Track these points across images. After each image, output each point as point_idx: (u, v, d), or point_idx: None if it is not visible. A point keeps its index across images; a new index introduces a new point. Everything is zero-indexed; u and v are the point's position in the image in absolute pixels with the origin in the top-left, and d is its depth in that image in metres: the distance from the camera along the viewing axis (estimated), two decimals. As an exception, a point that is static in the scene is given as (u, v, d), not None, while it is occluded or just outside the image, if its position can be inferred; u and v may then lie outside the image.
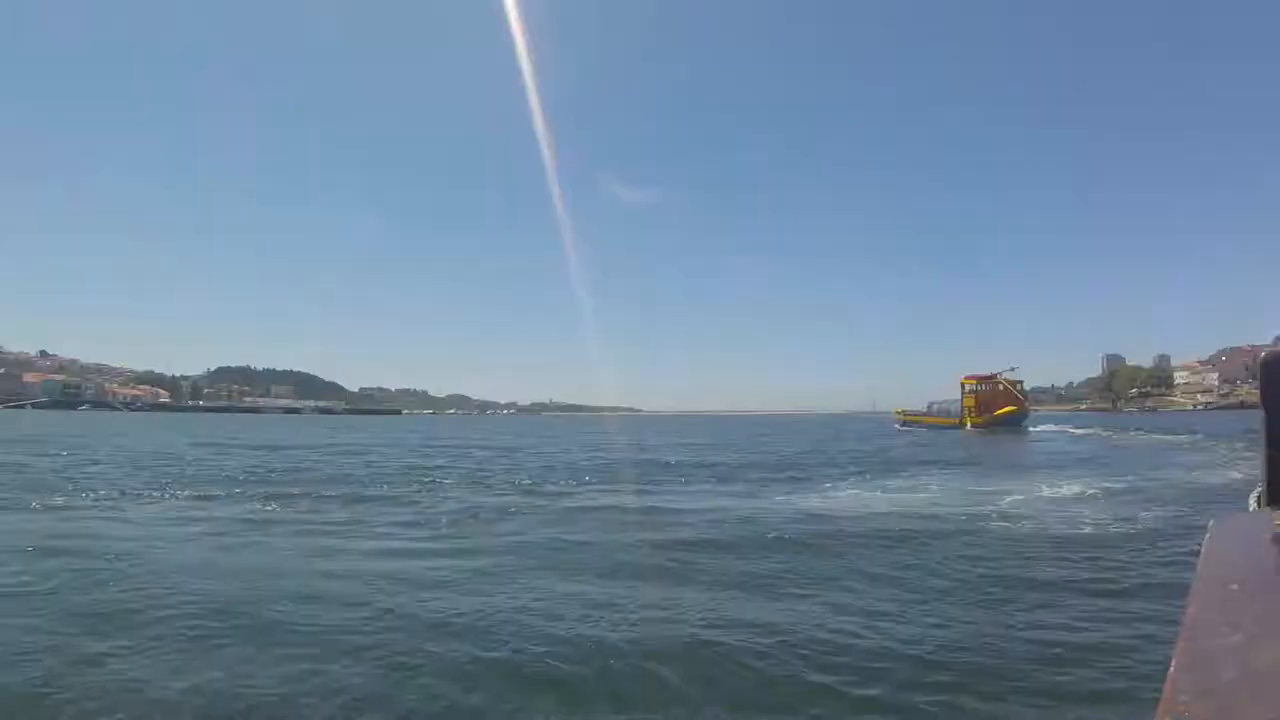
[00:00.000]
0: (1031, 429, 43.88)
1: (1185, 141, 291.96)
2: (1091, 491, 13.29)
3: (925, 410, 54.52)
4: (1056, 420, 60.68)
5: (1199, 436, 31.68)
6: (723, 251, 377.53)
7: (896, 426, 53.32)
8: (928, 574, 6.99)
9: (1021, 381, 47.75)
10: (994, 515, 10.40)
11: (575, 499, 13.46)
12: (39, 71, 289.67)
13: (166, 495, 13.41)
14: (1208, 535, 1.41)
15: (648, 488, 15.34)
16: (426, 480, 16.76)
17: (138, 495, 13.36)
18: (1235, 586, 1.05)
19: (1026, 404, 47.27)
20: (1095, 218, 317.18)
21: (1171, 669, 0.75)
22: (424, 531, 9.98)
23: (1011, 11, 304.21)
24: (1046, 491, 13.19)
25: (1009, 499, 12.33)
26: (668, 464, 22.26)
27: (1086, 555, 7.73)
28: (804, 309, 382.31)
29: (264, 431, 46.46)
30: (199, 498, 13.14)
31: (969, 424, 45.38)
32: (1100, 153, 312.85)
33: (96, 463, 20.53)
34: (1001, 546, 8.24)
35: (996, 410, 45.37)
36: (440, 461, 23.01)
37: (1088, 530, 9.20)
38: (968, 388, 48.09)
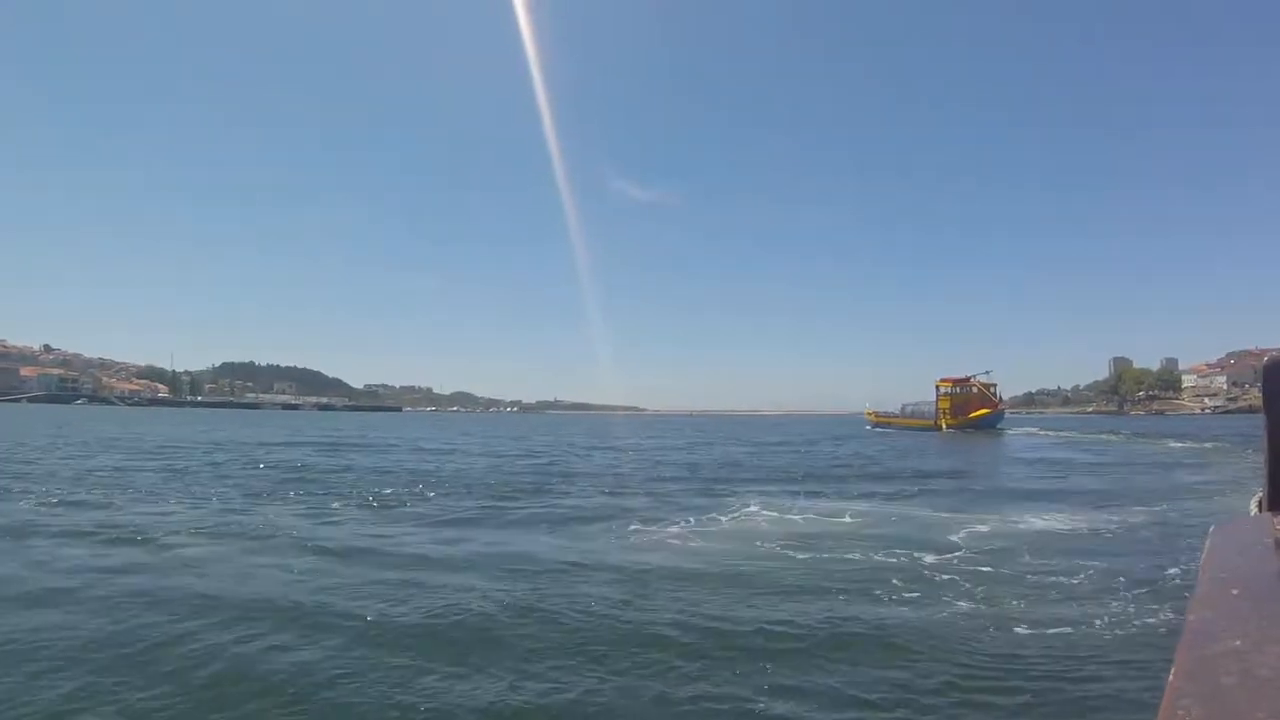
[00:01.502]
0: (1008, 431, 43.49)
1: (1195, 141, 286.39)
2: (1082, 524, 9.45)
3: (898, 411, 54.05)
4: (1041, 423, 59.20)
5: (1223, 444, 27.50)
6: (732, 250, 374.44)
7: (867, 428, 52.65)
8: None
9: (995, 385, 47.93)
10: (936, 571, 6.55)
11: (387, 520, 9.95)
12: (42, 67, 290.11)
13: None
14: (1208, 541, 1.38)
15: (506, 504, 11.63)
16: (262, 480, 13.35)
17: None
18: (1236, 592, 1.03)
19: (1001, 406, 47.50)
20: (1102, 219, 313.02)
21: (1172, 675, 0.73)
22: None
23: (1020, 8, 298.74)
24: (1020, 524, 9.32)
25: (964, 532, 8.55)
26: (579, 474, 18.48)
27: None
28: (813, 308, 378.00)
29: (185, 428, 43.28)
30: None
31: (944, 426, 44.77)
32: (1108, 152, 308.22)
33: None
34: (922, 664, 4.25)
35: (971, 413, 45.30)
36: (325, 461, 19.53)
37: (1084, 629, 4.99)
38: (942, 390, 47.71)
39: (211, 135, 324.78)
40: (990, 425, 44.78)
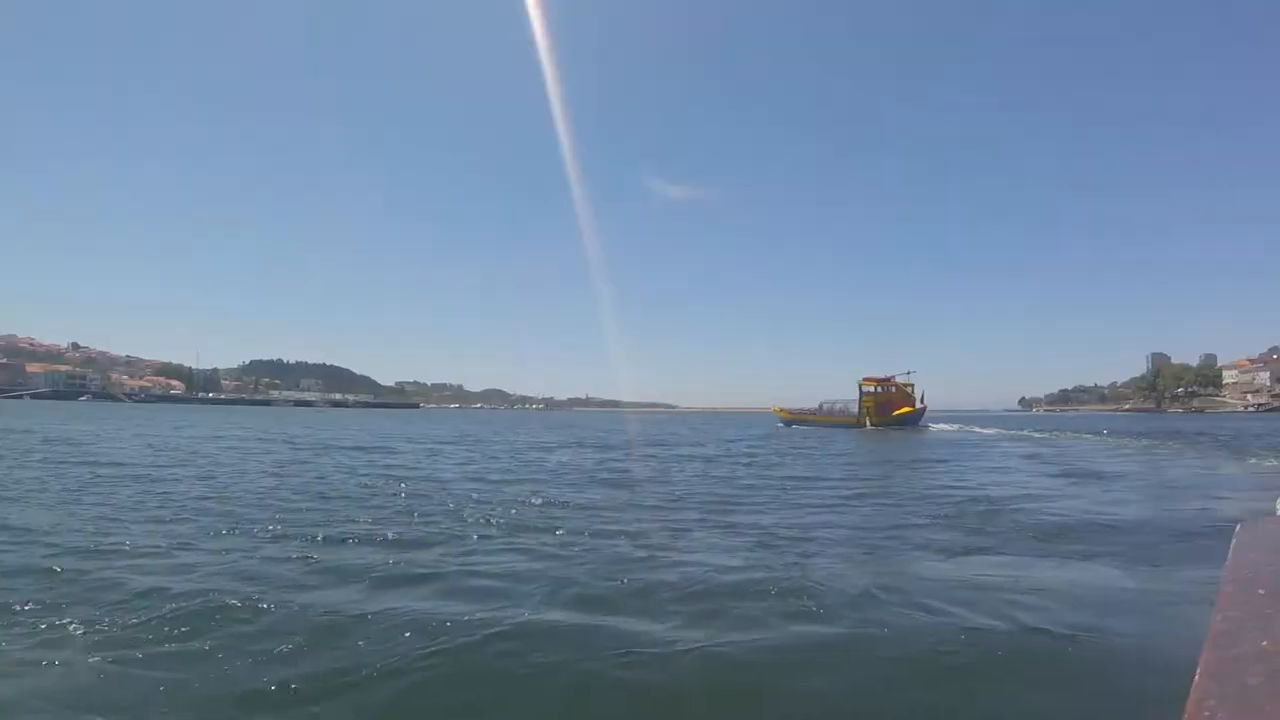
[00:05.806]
0: (931, 427, 45.87)
1: (1233, 135, 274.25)
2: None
3: (816, 409, 55.87)
4: (1001, 421, 58.37)
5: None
6: (759, 248, 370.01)
7: (778, 425, 52.68)
8: None
9: (913, 385, 50.52)
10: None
11: None
12: (64, 63, 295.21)
13: None
14: (1234, 540, 1.38)
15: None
16: None
17: None
18: (1263, 591, 1.04)
19: (922, 406, 50.31)
20: (1141, 218, 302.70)
21: (1197, 675, 0.73)
22: None
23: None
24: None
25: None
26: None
27: None
28: (841, 306, 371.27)
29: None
30: None
31: (869, 423, 47.68)
32: (1147, 149, 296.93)
33: None
34: None
35: (894, 411, 47.70)
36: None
37: None
38: (865, 389, 50.30)
39: (238, 135, 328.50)
40: (912, 423, 47.38)
